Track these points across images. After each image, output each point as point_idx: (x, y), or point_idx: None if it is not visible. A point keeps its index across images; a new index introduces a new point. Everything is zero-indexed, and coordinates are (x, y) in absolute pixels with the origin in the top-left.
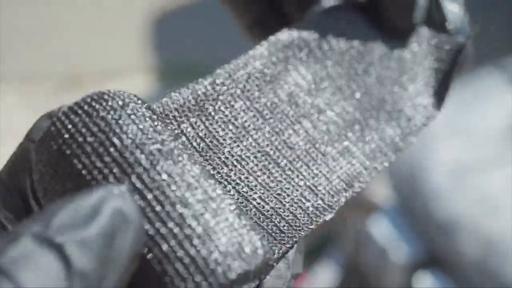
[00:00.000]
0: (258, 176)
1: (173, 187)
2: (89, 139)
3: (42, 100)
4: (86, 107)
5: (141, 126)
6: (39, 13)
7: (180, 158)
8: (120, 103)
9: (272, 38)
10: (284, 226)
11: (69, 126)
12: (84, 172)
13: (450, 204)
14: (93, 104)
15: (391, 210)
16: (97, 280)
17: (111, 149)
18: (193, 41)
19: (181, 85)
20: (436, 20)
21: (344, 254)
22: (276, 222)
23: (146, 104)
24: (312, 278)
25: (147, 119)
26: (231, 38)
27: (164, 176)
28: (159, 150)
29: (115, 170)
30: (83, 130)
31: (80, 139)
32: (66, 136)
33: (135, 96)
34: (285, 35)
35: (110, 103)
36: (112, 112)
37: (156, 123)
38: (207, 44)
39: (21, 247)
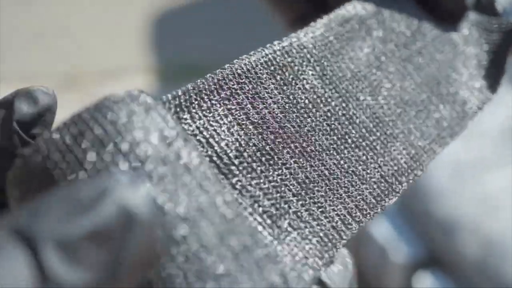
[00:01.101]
0: (331, 153)
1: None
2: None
3: None
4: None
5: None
6: (39, 13)
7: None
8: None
9: (332, 14)
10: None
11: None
12: None
13: (450, 204)
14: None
15: (391, 210)
16: None
17: None
18: (193, 41)
19: (181, 85)
20: (485, 3)
21: None
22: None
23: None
24: None
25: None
26: (231, 38)
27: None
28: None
29: None
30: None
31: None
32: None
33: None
34: (344, 11)
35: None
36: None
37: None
38: (207, 44)
39: None
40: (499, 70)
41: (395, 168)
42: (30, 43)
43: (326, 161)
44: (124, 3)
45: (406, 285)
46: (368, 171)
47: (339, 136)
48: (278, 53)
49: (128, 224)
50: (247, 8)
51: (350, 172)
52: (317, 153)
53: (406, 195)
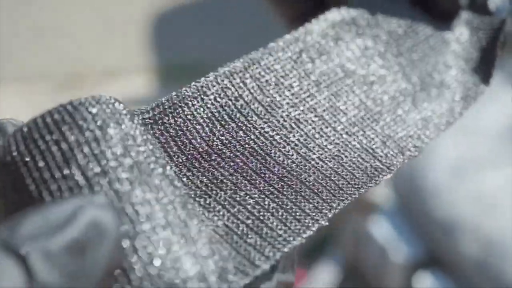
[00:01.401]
0: (316, 138)
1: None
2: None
3: (42, 100)
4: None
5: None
6: (39, 13)
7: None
8: (94, 112)
9: (322, 16)
10: (343, 184)
11: (21, 146)
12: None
13: (450, 204)
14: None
15: (391, 210)
16: None
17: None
18: (193, 41)
19: (181, 85)
20: (478, 2)
21: (344, 254)
22: (335, 181)
23: (125, 112)
24: (312, 278)
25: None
26: (231, 38)
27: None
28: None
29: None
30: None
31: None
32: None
33: (111, 103)
34: (335, 14)
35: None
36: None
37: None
38: (207, 44)
39: None
40: (490, 64)
41: (386, 150)
42: (30, 43)
43: (314, 147)
44: (124, 3)
45: (406, 285)
46: (359, 153)
47: (327, 125)
48: (263, 57)
49: (99, 237)
50: (247, 8)
51: (337, 154)
52: (302, 140)
53: (406, 195)
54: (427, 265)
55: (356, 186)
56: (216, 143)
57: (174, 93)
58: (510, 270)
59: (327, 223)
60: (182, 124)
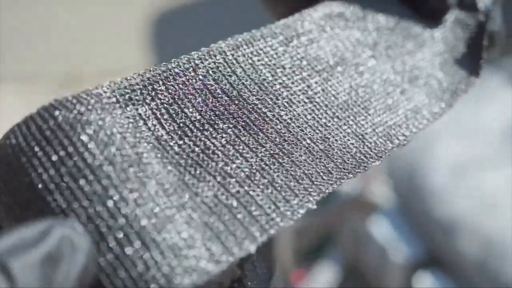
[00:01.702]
0: (308, 119)
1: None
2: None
3: (42, 100)
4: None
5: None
6: (39, 13)
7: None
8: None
9: (312, 9)
10: (332, 167)
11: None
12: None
13: (450, 204)
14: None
15: (391, 210)
16: None
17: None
18: (193, 41)
19: None
20: (467, 1)
21: (344, 254)
22: (325, 163)
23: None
24: (312, 278)
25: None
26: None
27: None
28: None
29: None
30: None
31: (33, 151)
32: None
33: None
34: (325, 7)
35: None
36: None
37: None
38: (207, 44)
39: None
40: (478, 57)
41: (376, 137)
42: (30, 43)
43: (306, 128)
44: (124, 3)
45: (406, 285)
46: (349, 137)
47: (318, 107)
48: (253, 42)
49: (70, 251)
50: (247, 8)
51: (328, 137)
52: (294, 119)
53: (406, 195)
54: (427, 265)
55: (345, 170)
56: (209, 114)
57: (164, 63)
58: (510, 270)
59: (315, 207)
60: (173, 92)
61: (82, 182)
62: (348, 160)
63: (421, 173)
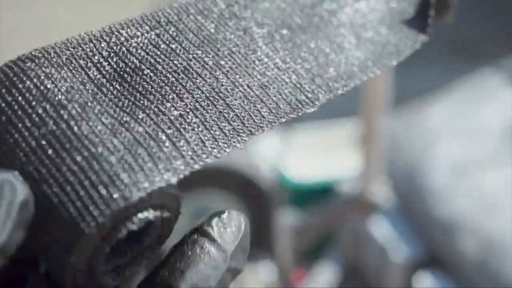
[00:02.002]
0: (247, 68)
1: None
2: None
3: None
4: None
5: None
6: (39, 13)
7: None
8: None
9: None
10: (265, 112)
11: None
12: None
13: (450, 204)
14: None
15: (391, 210)
16: None
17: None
18: None
19: None
20: None
21: (344, 254)
22: (258, 108)
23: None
24: (312, 278)
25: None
26: None
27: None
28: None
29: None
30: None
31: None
32: None
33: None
34: None
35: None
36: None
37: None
38: None
39: None
40: (425, 16)
41: (313, 86)
42: (30, 43)
43: (244, 75)
44: (124, 3)
45: (406, 285)
46: (286, 86)
47: (252, 57)
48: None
49: (11, 191)
50: None
51: (266, 84)
52: (231, 64)
53: (406, 195)
54: (427, 265)
55: (278, 115)
56: (149, 60)
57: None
58: (510, 270)
59: (242, 147)
60: (114, 47)
61: (28, 123)
62: (282, 107)
63: (421, 173)
